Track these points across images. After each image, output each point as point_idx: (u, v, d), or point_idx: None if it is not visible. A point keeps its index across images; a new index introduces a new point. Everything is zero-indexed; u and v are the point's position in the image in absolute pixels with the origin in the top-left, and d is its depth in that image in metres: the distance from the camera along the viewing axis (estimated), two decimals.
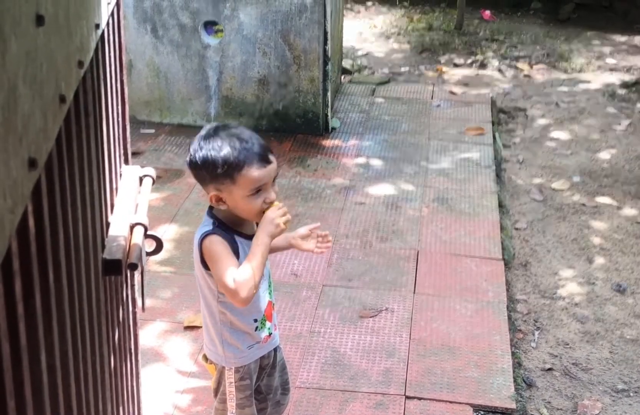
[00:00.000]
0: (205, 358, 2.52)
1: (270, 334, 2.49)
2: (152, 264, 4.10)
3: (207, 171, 2.26)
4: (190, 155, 2.30)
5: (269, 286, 2.48)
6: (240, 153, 2.24)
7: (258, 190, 2.27)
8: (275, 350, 2.56)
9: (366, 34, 9.18)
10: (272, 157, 2.30)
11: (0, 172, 0.87)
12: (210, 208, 2.38)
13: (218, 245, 2.27)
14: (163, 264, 4.15)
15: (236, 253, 2.30)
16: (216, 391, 2.53)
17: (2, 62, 0.88)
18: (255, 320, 2.42)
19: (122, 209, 1.96)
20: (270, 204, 2.30)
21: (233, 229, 2.33)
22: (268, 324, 2.47)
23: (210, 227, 2.31)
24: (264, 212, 2.30)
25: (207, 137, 2.28)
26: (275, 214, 2.28)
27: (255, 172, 2.25)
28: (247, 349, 2.43)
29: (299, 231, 2.58)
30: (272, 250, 2.50)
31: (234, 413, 2.47)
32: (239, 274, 2.23)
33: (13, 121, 0.93)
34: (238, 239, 2.33)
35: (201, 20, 5.71)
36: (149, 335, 3.61)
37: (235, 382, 2.44)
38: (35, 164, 1.03)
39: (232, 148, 2.25)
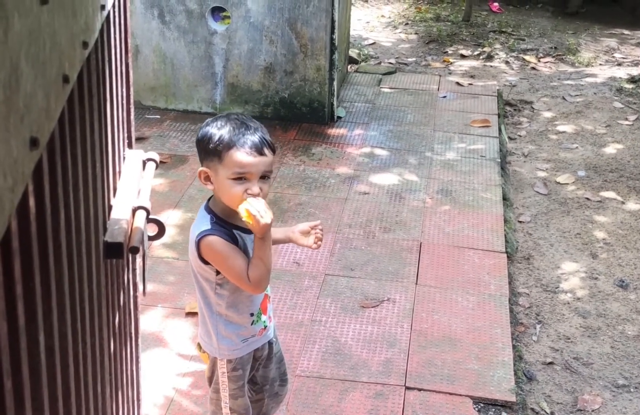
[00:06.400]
0: (200, 347, 2.53)
1: (265, 327, 2.48)
2: (155, 249, 4.10)
3: (203, 146, 2.29)
4: (198, 132, 2.34)
5: None
6: (235, 135, 2.25)
7: (242, 178, 2.25)
8: (270, 343, 2.55)
9: (373, 24, 9.15)
10: (267, 151, 2.27)
11: (0, 151, 0.86)
12: (208, 201, 2.38)
13: (221, 246, 2.27)
14: (166, 249, 4.15)
15: (237, 246, 2.31)
16: (210, 380, 2.53)
17: (5, 40, 0.87)
18: (252, 315, 2.42)
19: (124, 192, 1.95)
20: (252, 196, 2.23)
21: (230, 223, 2.32)
22: (263, 317, 2.46)
23: (208, 225, 2.29)
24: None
25: (218, 117, 2.33)
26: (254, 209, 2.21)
27: (242, 156, 2.23)
28: (242, 343, 2.43)
29: (299, 227, 2.56)
30: (272, 243, 2.49)
31: (227, 403, 2.47)
32: (252, 271, 2.26)
33: (15, 100, 0.92)
34: (237, 233, 2.32)
35: (208, 6, 5.69)
36: (150, 320, 3.61)
37: (227, 373, 2.44)
38: (36, 143, 1.02)
39: (232, 128, 2.26)
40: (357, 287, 3.94)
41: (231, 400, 2.47)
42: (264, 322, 2.47)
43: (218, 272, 2.32)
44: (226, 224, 2.31)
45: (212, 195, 2.39)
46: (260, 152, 2.25)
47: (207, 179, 2.30)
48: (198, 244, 2.29)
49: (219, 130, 2.26)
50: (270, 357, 2.58)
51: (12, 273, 0.97)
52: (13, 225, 0.96)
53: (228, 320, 2.39)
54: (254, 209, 2.20)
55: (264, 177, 2.28)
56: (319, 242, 2.47)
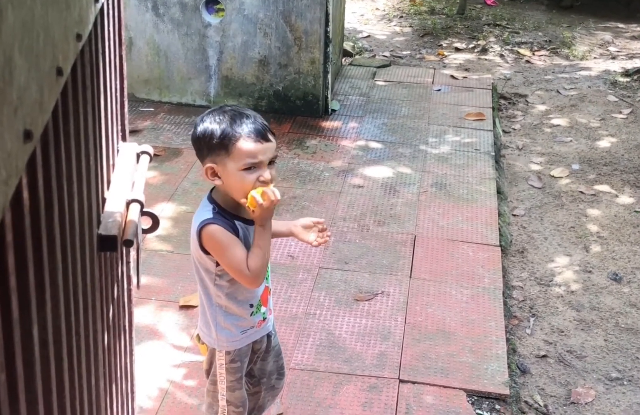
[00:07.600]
0: (199, 338, 2.53)
1: (264, 319, 2.48)
2: (149, 242, 4.09)
3: (205, 142, 2.28)
4: (194, 128, 2.33)
5: (267, 271, 2.48)
6: (238, 125, 2.26)
7: (252, 166, 2.26)
8: (269, 335, 2.56)
9: (368, 16, 9.14)
10: (271, 137, 2.31)
11: None
12: (211, 191, 2.38)
13: (221, 235, 2.27)
14: (160, 242, 4.15)
15: (238, 237, 2.31)
16: (208, 372, 2.53)
17: None
18: (251, 306, 2.42)
19: (118, 185, 1.95)
20: (264, 183, 2.28)
21: (232, 213, 2.33)
22: (263, 308, 2.47)
23: (210, 215, 2.30)
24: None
25: (212, 111, 2.33)
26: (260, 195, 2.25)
27: (250, 145, 2.25)
28: (241, 334, 2.43)
29: (301, 221, 2.58)
30: (273, 235, 2.49)
31: (225, 395, 2.47)
32: (252, 261, 2.26)
33: (8, 93, 0.92)
34: (238, 223, 2.32)
35: None
36: (144, 312, 3.60)
37: (225, 364, 2.44)
38: (30, 136, 1.02)
39: (231, 120, 2.27)
40: (351, 281, 3.94)
41: (228, 392, 2.47)
42: (264, 313, 2.47)
43: (218, 263, 2.33)
44: (228, 213, 2.32)
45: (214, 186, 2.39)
46: (266, 138, 2.28)
47: (214, 174, 2.30)
48: (199, 233, 2.29)
49: (219, 125, 2.26)
50: (269, 350, 2.58)
51: (6, 266, 0.96)
52: (7, 219, 0.95)
53: (227, 311, 2.39)
54: (269, 191, 2.22)
55: (271, 162, 2.31)
56: (319, 241, 2.49)
